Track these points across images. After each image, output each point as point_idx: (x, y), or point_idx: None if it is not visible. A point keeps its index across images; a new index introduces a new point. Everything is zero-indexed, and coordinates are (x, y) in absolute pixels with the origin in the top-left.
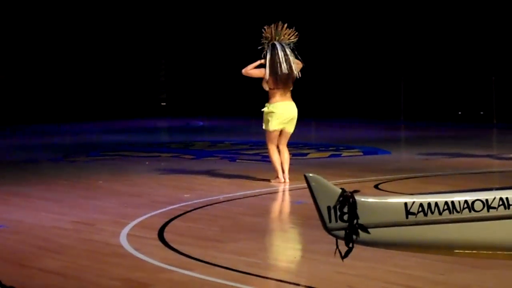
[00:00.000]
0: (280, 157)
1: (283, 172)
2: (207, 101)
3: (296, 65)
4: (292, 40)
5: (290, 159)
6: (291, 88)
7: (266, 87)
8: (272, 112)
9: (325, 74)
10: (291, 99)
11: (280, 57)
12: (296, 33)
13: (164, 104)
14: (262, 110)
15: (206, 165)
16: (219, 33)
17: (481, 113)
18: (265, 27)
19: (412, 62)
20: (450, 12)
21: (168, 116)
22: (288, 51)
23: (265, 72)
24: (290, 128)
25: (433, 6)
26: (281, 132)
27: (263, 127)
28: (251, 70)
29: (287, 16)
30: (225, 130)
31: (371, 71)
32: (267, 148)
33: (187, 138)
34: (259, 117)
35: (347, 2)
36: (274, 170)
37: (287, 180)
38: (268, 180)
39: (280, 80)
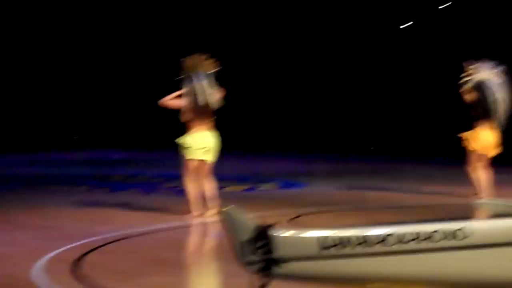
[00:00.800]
0: (205, 187)
1: (210, 200)
2: (123, 133)
3: (215, 95)
4: (212, 70)
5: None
6: (210, 119)
7: (185, 118)
8: (190, 142)
9: (243, 107)
10: (211, 129)
11: (198, 88)
12: (216, 62)
13: (77, 137)
14: (179, 141)
15: (122, 198)
16: (136, 64)
17: (395, 147)
18: (184, 58)
19: (327, 96)
20: (366, 48)
21: (84, 149)
22: (207, 82)
23: (183, 103)
24: (209, 158)
25: (353, 40)
26: (201, 163)
27: (184, 156)
28: (169, 101)
29: (205, 47)
30: (141, 163)
31: (288, 104)
32: (183, 179)
33: (103, 171)
34: (176, 150)
35: (264, 35)
36: (189, 203)
37: (214, 206)
38: (185, 213)
39: (199, 111)
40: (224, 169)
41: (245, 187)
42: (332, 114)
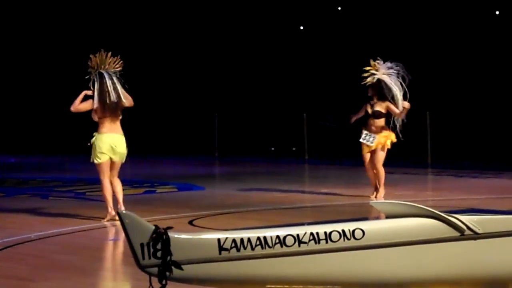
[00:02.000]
0: (113, 189)
1: (118, 203)
2: (17, 137)
3: (125, 94)
4: (117, 68)
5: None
6: (120, 117)
7: (95, 117)
8: (98, 143)
9: (139, 109)
10: (119, 128)
11: (108, 85)
12: (121, 61)
13: None
14: (89, 142)
15: (17, 202)
16: (36, 63)
17: (294, 149)
18: (91, 56)
19: (225, 99)
20: (263, 50)
21: None
22: (115, 79)
23: (93, 102)
24: (118, 159)
25: (247, 44)
26: (111, 163)
27: (91, 159)
28: (79, 105)
29: (110, 45)
30: (36, 167)
31: (185, 107)
32: (99, 180)
33: None
34: (72, 154)
35: (167, 37)
36: (105, 205)
37: (123, 209)
38: (95, 218)
39: (109, 108)
40: (121, 173)
41: (143, 190)
42: (230, 117)
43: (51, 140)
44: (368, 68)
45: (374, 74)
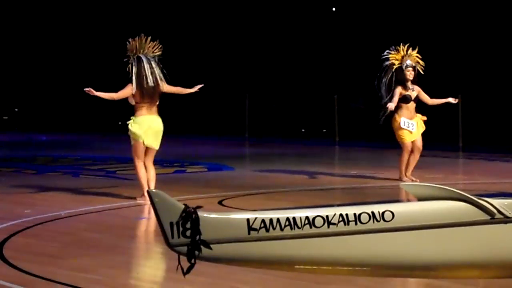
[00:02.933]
0: (147, 174)
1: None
2: (50, 115)
3: (163, 78)
4: (157, 53)
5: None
6: (157, 102)
7: (132, 101)
8: (137, 125)
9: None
10: (157, 113)
11: (146, 70)
12: (160, 46)
13: (6, 118)
14: (127, 123)
15: (48, 180)
16: (68, 42)
17: (324, 130)
18: (130, 40)
19: (257, 80)
20: (294, 32)
21: (10, 130)
22: (153, 64)
23: (132, 87)
24: (155, 144)
25: (278, 25)
26: (146, 148)
27: (131, 141)
28: (119, 94)
29: (149, 29)
30: (68, 145)
31: (217, 88)
32: (133, 163)
33: (29, 153)
34: (104, 132)
35: (199, 19)
36: (140, 187)
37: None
38: (125, 197)
39: (147, 93)
40: None
41: (173, 169)
42: (261, 98)
43: (82, 118)
44: (392, 54)
45: (393, 63)
